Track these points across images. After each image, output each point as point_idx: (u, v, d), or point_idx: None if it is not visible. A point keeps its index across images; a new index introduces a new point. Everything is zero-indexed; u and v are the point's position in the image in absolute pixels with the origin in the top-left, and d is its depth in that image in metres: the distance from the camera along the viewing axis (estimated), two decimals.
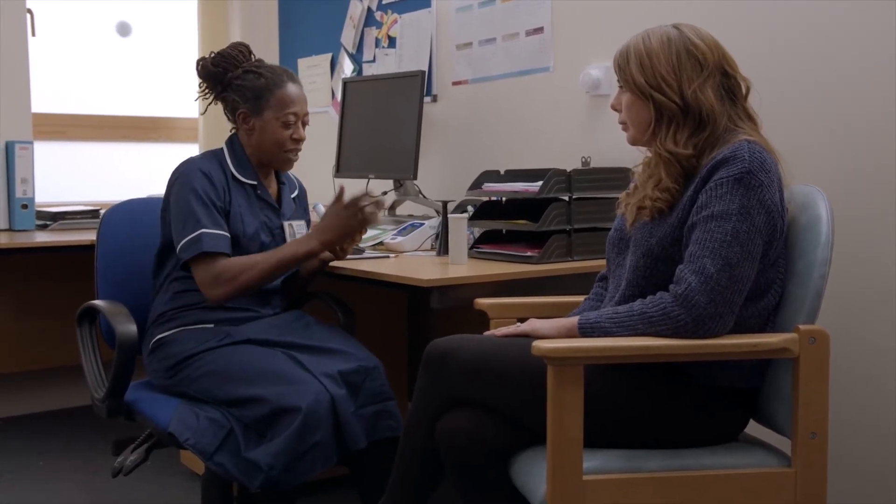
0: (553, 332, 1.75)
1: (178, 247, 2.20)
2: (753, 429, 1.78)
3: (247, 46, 2.41)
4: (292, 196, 2.48)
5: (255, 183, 2.35)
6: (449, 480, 1.81)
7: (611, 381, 1.67)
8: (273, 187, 2.43)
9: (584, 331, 1.67)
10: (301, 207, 2.51)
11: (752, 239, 1.59)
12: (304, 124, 2.38)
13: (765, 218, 1.61)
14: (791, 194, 1.76)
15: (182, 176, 2.25)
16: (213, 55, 2.37)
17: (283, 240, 2.35)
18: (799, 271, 1.68)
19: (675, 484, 1.61)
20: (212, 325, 2.22)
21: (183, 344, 2.19)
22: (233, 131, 2.41)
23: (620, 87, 1.80)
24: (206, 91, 2.41)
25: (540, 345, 1.53)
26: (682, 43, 1.72)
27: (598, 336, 1.65)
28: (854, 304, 2.15)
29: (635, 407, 1.67)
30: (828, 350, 1.59)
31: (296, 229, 2.40)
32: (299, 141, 2.37)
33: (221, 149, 2.38)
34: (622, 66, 1.77)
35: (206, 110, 2.49)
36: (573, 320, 1.71)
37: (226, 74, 2.35)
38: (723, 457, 1.67)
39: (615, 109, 1.83)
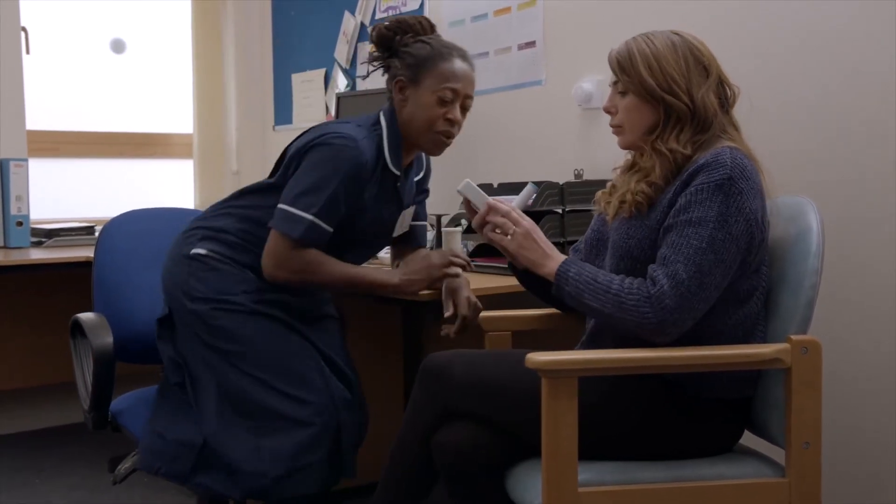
0: (526, 260, 1.76)
1: (280, 206, 2.01)
2: (747, 439, 1.78)
3: (429, 21, 2.20)
4: (416, 179, 2.30)
5: (398, 174, 2.15)
6: (443, 492, 1.82)
7: (606, 393, 1.68)
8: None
9: (559, 278, 1.70)
10: (420, 190, 2.34)
11: (726, 247, 1.59)
12: (465, 109, 2.15)
13: (743, 226, 1.60)
14: (781, 205, 1.77)
15: (340, 151, 2.01)
16: (392, 19, 2.18)
17: (392, 229, 2.23)
18: (790, 281, 1.69)
19: (670, 495, 1.62)
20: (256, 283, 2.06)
21: (230, 319, 2.03)
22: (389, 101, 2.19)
23: (620, 91, 1.76)
24: (377, 57, 2.20)
25: (534, 357, 1.54)
26: (686, 48, 1.71)
27: (569, 290, 1.67)
28: (846, 311, 2.16)
29: (630, 419, 1.68)
30: (820, 360, 1.60)
31: (406, 219, 2.26)
32: (454, 124, 2.13)
33: (380, 124, 2.14)
34: (626, 68, 1.73)
35: (368, 74, 2.35)
36: (557, 261, 1.72)
37: (394, 38, 2.14)
38: (717, 467, 1.67)
39: (609, 112, 1.80)
